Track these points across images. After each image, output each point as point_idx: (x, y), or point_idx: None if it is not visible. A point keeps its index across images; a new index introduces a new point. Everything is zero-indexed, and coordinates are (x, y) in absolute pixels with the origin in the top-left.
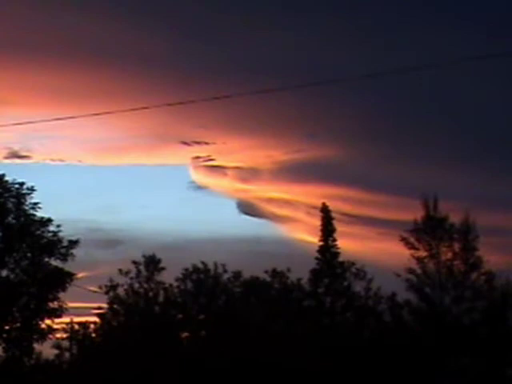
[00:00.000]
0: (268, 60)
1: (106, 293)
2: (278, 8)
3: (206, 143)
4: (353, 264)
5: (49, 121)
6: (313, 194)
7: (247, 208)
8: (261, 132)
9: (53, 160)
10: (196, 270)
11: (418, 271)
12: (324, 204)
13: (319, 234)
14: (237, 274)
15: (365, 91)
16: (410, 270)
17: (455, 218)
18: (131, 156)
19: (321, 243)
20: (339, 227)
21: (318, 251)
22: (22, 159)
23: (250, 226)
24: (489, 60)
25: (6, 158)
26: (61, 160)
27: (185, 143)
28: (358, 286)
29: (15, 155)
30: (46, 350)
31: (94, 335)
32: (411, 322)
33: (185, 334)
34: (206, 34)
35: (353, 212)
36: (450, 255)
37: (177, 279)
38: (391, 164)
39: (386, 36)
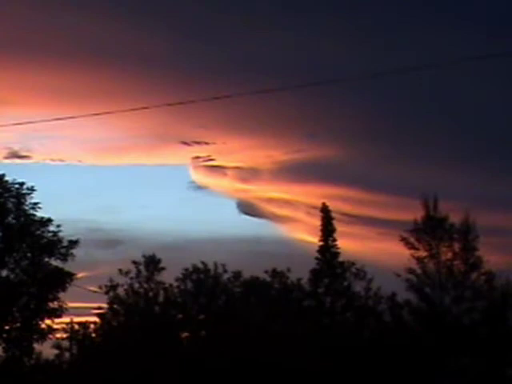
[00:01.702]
0: (268, 60)
1: (106, 293)
2: (278, 8)
3: (206, 143)
4: (353, 264)
5: (49, 121)
6: (313, 194)
7: (247, 208)
8: (261, 132)
9: (53, 160)
10: (196, 269)
11: (418, 271)
12: (324, 204)
13: (319, 234)
14: (237, 274)
15: (365, 91)
16: (410, 270)
17: (455, 218)
18: (131, 156)
19: (321, 243)
20: (339, 227)
21: (318, 251)
22: (22, 159)
23: (250, 226)
24: (489, 60)
25: (6, 158)
26: (61, 160)
27: (185, 143)
28: (358, 286)
29: (15, 155)
30: (46, 350)
31: (94, 335)
32: (411, 321)
33: (185, 334)
34: (206, 34)
35: (353, 212)
36: (450, 255)
37: (177, 279)
38: (391, 164)
39: (386, 36)
